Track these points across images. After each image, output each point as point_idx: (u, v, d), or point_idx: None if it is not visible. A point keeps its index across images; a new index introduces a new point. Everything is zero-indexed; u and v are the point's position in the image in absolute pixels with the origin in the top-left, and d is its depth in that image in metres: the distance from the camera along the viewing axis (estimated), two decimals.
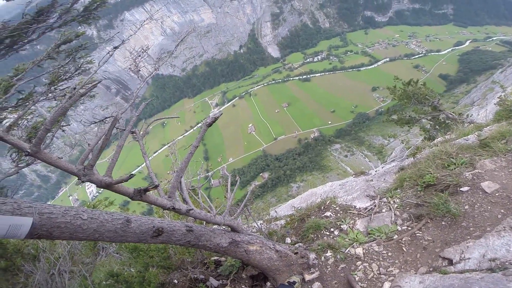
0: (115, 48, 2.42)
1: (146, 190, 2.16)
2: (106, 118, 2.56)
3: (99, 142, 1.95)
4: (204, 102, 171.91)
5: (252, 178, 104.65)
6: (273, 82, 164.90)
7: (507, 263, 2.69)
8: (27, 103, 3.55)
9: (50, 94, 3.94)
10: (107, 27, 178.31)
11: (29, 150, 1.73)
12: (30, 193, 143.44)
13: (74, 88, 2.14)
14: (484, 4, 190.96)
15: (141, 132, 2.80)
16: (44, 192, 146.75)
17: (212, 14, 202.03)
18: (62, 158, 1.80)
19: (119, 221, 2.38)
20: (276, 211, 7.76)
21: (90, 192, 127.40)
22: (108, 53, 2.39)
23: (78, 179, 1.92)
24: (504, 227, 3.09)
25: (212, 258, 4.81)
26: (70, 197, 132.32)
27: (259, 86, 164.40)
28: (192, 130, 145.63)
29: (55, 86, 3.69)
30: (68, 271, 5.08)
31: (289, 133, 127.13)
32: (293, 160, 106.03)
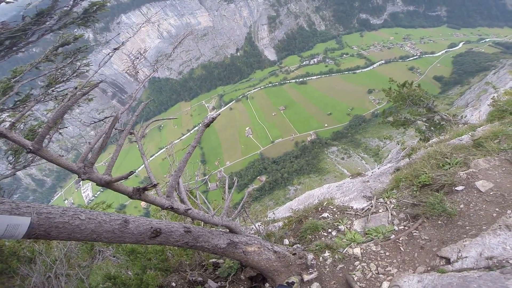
0: (115, 49, 2.44)
1: (145, 189, 2.17)
2: (106, 117, 2.57)
3: (99, 140, 1.96)
4: (201, 105, 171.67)
5: (250, 181, 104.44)
6: (270, 85, 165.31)
7: (504, 261, 2.71)
8: (24, 105, 3.54)
9: (47, 96, 3.93)
10: (104, 30, 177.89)
11: (31, 147, 1.74)
12: (25, 197, 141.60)
13: (76, 88, 2.15)
14: (476, 6, 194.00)
15: (139, 134, 2.81)
16: (39, 196, 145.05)
17: (209, 17, 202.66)
18: (63, 156, 1.81)
19: (117, 221, 2.37)
20: (274, 213, 7.75)
21: (86, 196, 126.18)
22: (108, 54, 2.40)
23: (78, 177, 1.93)
24: (499, 225, 3.13)
25: (210, 260, 4.79)
26: (66, 201, 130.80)
27: (256, 89, 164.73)
28: (189, 133, 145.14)
29: (53, 88, 3.69)
30: (65, 274, 5.02)
31: (286, 136, 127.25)
32: (290, 163, 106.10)
